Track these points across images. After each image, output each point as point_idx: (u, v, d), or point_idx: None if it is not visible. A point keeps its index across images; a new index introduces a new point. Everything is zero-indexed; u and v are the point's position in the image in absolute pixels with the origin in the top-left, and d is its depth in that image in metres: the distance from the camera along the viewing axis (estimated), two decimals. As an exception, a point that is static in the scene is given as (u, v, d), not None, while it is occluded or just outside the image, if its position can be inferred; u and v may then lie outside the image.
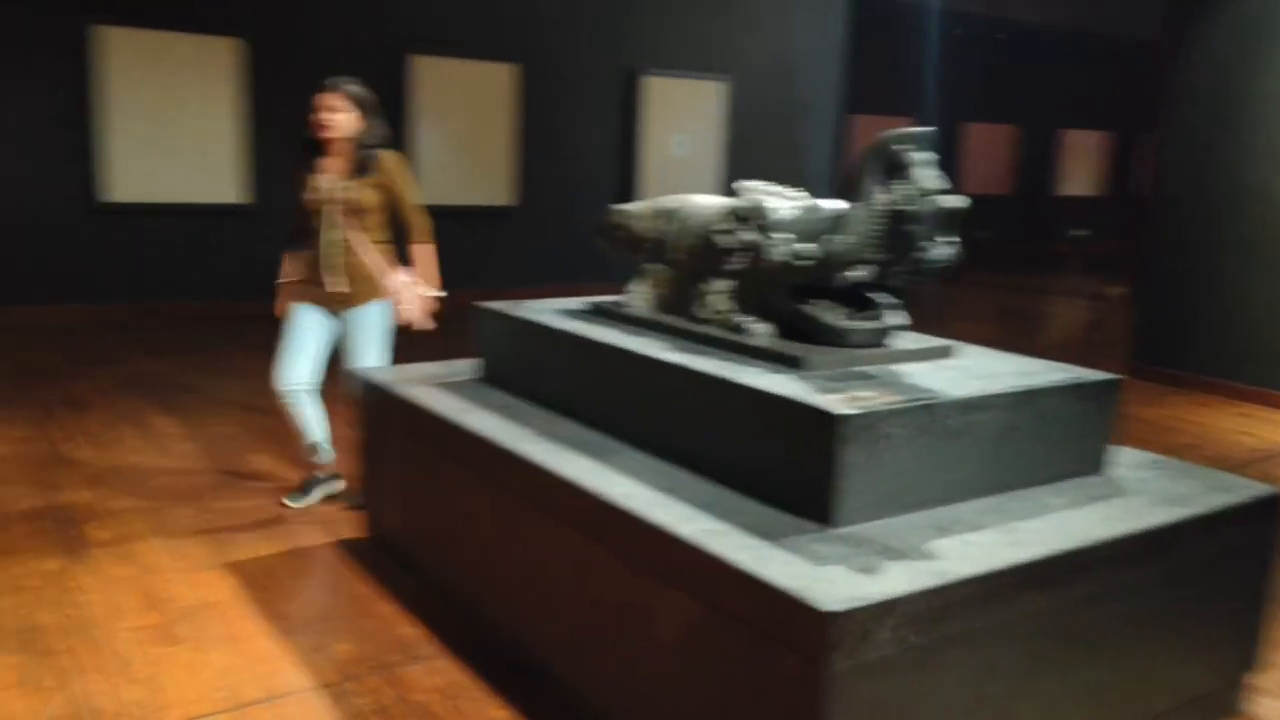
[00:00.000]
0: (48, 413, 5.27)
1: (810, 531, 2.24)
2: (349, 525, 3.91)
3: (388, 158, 3.87)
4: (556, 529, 2.62)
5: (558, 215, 9.74)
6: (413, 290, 3.94)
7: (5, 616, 3.08)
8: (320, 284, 3.88)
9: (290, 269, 4.02)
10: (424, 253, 3.98)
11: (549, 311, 3.44)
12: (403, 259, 4.02)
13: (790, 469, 2.36)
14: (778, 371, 2.59)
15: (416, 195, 3.96)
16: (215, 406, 5.49)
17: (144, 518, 3.92)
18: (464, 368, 3.75)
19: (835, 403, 2.31)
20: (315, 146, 3.84)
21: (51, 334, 7.14)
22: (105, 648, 2.94)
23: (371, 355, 3.94)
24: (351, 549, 3.72)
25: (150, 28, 7.64)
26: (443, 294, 4.06)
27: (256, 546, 3.70)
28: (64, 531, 3.76)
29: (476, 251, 9.42)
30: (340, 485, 4.17)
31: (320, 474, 4.11)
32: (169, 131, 7.70)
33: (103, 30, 7.45)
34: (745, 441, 2.49)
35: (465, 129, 9.23)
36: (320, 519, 3.98)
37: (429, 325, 4.03)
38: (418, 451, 3.37)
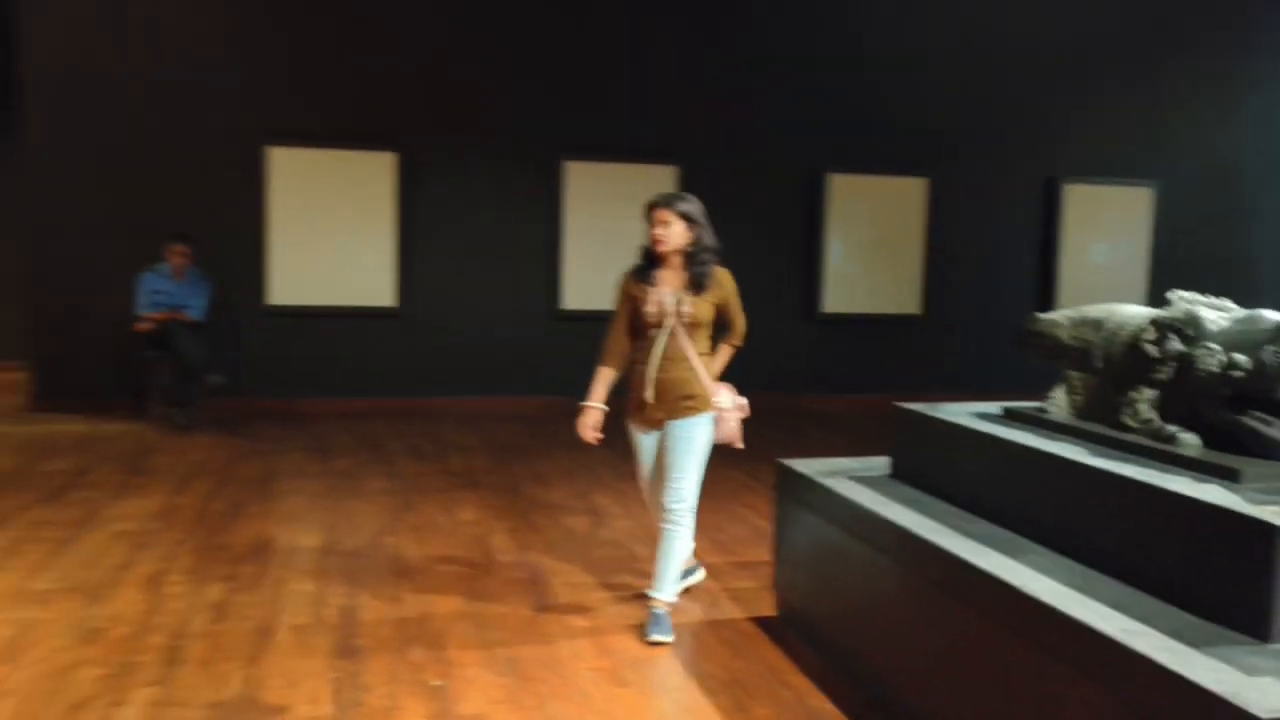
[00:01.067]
0: (517, 485, 6.26)
1: (1241, 643, 2.22)
2: (762, 603, 4.26)
3: (723, 275, 3.94)
4: (971, 617, 2.77)
5: (966, 324, 9.76)
6: (734, 408, 3.99)
7: (497, 647, 3.78)
8: (650, 398, 3.91)
9: (603, 383, 4.03)
10: (726, 353, 4.07)
11: (965, 414, 3.62)
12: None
13: (1219, 579, 2.35)
14: (1208, 481, 2.58)
15: (742, 312, 4.06)
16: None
17: (593, 579, 4.56)
18: (875, 463, 4.01)
19: (1275, 515, 2.28)
20: (652, 259, 3.94)
21: (518, 420, 8.41)
22: (571, 682, 3.50)
23: (689, 468, 3.90)
24: (765, 624, 4.07)
25: (605, 160, 8.92)
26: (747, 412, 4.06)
27: (684, 613, 4.15)
28: (535, 584, 4.49)
29: (885, 358, 9.69)
30: (701, 576, 4.42)
31: (684, 565, 4.21)
32: (613, 248, 8.83)
33: (571, 164, 8.84)
34: (1168, 548, 2.50)
35: (876, 241, 9.62)
36: (737, 595, 4.38)
37: (740, 444, 4.07)
38: (831, 537, 3.65)
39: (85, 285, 8.15)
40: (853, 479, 3.79)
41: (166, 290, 7.75)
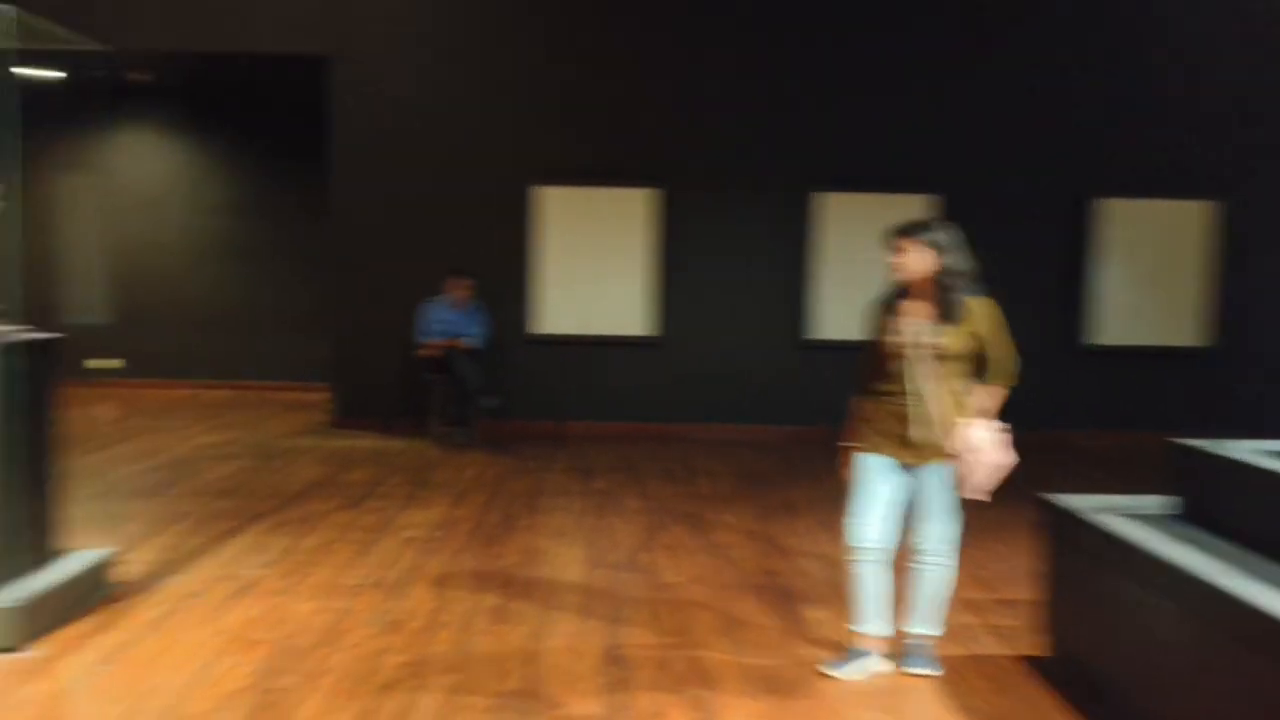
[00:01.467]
0: (765, 511, 6.37)
1: None
2: (1026, 641, 4.14)
3: (978, 304, 3.67)
4: (1267, 667, 2.60)
5: (1263, 355, 8.96)
6: (986, 451, 3.58)
7: (753, 665, 3.90)
8: (895, 434, 3.71)
9: (859, 417, 3.84)
10: (992, 393, 3.69)
11: (1258, 452, 3.39)
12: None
13: None
14: None
15: (1008, 343, 3.69)
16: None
17: (845, 605, 4.52)
18: (1149, 502, 3.81)
19: None
20: (900, 289, 3.78)
21: (767, 448, 8.52)
22: (828, 704, 3.57)
23: (942, 512, 3.73)
24: (1033, 663, 3.94)
25: (859, 191, 8.92)
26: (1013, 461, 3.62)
27: (945, 647, 4.08)
28: (787, 607, 4.58)
29: (1158, 392, 9.07)
30: (884, 667, 3.85)
31: (866, 648, 3.85)
32: (866, 278, 8.79)
33: (821, 195, 8.92)
34: None
35: (1150, 269, 9.05)
36: (1000, 632, 4.27)
37: (985, 496, 3.64)
38: (1108, 577, 3.50)
39: (378, 316, 9.05)
40: (1128, 516, 3.63)
41: (448, 319, 8.48)
